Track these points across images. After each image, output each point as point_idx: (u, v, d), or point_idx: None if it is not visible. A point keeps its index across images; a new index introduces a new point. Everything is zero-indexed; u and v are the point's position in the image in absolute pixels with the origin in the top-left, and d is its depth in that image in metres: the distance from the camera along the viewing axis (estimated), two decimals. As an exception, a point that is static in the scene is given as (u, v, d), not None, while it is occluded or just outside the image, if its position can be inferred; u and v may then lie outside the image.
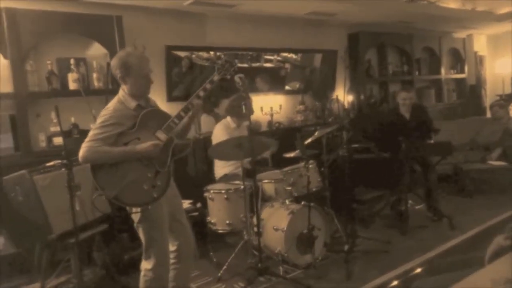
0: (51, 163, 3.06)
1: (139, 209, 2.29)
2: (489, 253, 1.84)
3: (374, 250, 3.50)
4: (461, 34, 7.73)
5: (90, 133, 2.22)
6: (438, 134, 4.17)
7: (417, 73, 6.82)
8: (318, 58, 5.67)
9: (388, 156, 4.08)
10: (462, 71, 7.75)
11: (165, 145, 2.32)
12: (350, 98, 5.86)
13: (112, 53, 3.78)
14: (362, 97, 5.88)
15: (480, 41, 8.05)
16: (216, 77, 2.49)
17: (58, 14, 3.55)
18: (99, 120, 2.25)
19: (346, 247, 3.33)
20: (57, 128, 3.32)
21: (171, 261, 2.47)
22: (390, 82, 6.44)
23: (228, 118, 3.85)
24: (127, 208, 2.34)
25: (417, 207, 4.60)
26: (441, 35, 7.17)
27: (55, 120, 3.43)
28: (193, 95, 2.43)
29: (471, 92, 7.76)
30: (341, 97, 5.65)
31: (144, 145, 2.24)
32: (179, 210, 2.55)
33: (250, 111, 3.66)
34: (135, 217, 2.33)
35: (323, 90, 5.47)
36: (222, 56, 4.75)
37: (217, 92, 4.51)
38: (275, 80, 5.32)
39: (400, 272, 3.05)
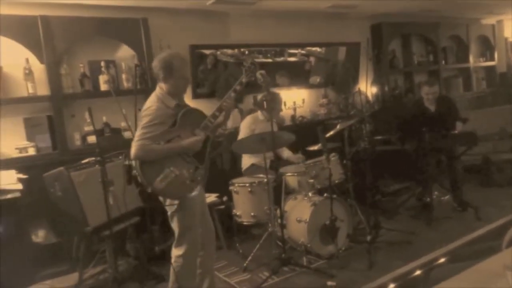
0: (86, 160, 3.26)
1: (175, 201, 2.46)
2: (506, 240, 1.88)
3: (397, 241, 3.54)
4: (490, 20, 7.50)
5: (138, 132, 2.38)
6: (466, 124, 4.13)
7: (443, 62, 6.68)
8: (342, 51, 5.66)
9: (410, 147, 4.07)
10: (492, 59, 7.52)
11: (203, 142, 2.48)
12: (374, 90, 5.83)
13: (140, 54, 3.97)
14: (386, 88, 5.84)
15: (511, 27, 7.78)
16: (244, 79, 2.67)
17: (88, 19, 3.74)
18: (144, 119, 2.41)
19: (368, 238, 3.39)
20: (91, 128, 3.51)
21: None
22: (415, 72, 6.35)
23: (259, 112, 3.99)
24: (161, 200, 2.51)
25: (443, 198, 4.57)
26: (469, 22, 6.99)
27: (88, 120, 3.62)
28: (225, 96, 2.60)
29: (501, 80, 7.53)
30: (364, 90, 5.63)
31: (190, 140, 2.42)
32: (204, 203, 2.72)
33: (275, 105, 3.80)
34: (170, 208, 2.50)
35: (346, 83, 5.48)
36: (246, 54, 4.86)
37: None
38: (299, 74, 5.35)
39: (422, 262, 3.09)
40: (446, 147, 4.11)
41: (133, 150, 2.34)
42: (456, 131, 4.10)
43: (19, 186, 2.43)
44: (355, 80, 5.64)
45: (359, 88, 5.27)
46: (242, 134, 3.86)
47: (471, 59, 7.11)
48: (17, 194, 2.29)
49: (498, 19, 7.55)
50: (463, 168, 4.98)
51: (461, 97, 6.80)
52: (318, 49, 5.49)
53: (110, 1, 3.79)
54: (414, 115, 4.18)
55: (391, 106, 5.67)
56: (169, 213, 2.53)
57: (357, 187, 4.14)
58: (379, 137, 4.23)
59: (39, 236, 3.13)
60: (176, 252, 2.54)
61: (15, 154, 3.49)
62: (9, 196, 2.25)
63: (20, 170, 3.10)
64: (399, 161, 4.56)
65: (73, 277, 3.32)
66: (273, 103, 3.62)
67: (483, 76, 7.53)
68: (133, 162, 2.38)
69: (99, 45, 3.91)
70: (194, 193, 2.46)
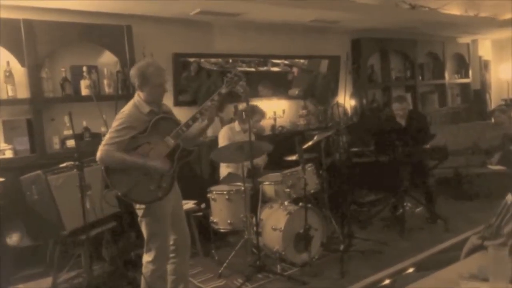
0: (64, 164, 3.28)
1: (143, 206, 2.49)
2: (464, 250, 1.99)
3: (369, 250, 3.64)
4: (465, 39, 7.80)
5: (107, 136, 2.42)
6: (433, 140, 4.30)
7: (420, 78, 6.92)
8: (324, 64, 5.82)
9: (384, 160, 4.21)
10: (467, 76, 7.82)
11: (172, 150, 2.52)
12: (352, 103, 5.99)
13: (122, 60, 4.01)
14: (364, 101, 6.01)
15: (485, 46, 8.13)
16: (224, 90, 2.68)
17: (72, 24, 3.77)
18: (114, 123, 2.45)
19: (342, 247, 3.49)
20: (70, 132, 3.52)
21: (170, 255, 2.65)
22: (393, 87, 6.56)
23: (236, 123, 4.07)
24: (133, 204, 2.54)
25: (417, 209, 4.72)
26: (445, 40, 7.27)
27: (68, 124, 3.64)
28: (202, 106, 2.63)
29: (475, 97, 7.83)
30: (343, 102, 5.79)
31: (154, 164, 2.45)
32: (179, 208, 2.74)
33: (255, 117, 3.88)
34: (139, 212, 2.53)
35: (325, 95, 5.62)
36: (230, 62, 4.94)
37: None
38: (282, 85, 5.45)
39: (392, 271, 3.20)
40: (418, 160, 4.25)
41: (98, 154, 2.38)
42: (428, 145, 4.26)
43: (-5, 189, 2.44)
44: (334, 92, 5.79)
45: (337, 101, 5.42)
46: (220, 144, 3.93)
47: (446, 75, 7.38)
48: (-8, 197, 2.30)
49: (473, 38, 7.86)
50: (435, 181, 5.17)
51: (436, 112, 7.05)
52: (301, 60, 5.63)
53: (95, 8, 3.82)
54: (387, 128, 4.32)
55: (368, 119, 5.83)
56: (138, 218, 2.56)
57: (333, 197, 4.26)
58: (354, 149, 4.36)
59: (14, 238, 3.12)
60: (145, 258, 2.57)
61: (-8, 156, 3.47)
62: (-16, 198, 2.26)
63: (-4, 172, 3.10)
64: (374, 173, 4.69)
65: (47, 281, 3.31)
66: (253, 115, 3.69)
67: (458, 93, 7.81)
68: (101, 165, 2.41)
69: (82, 50, 3.95)
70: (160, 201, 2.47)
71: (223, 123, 4.60)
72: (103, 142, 2.40)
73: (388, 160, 4.22)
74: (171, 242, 2.67)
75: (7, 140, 3.59)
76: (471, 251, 1.95)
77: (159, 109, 2.58)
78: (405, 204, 4.61)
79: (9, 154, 3.53)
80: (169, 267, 2.68)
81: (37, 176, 3.08)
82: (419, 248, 3.65)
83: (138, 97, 2.53)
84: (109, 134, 2.41)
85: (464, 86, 7.88)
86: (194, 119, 2.57)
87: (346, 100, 5.87)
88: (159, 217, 2.51)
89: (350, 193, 4.56)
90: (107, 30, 3.93)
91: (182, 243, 2.72)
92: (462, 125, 6.75)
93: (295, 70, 5.64)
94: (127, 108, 2.49)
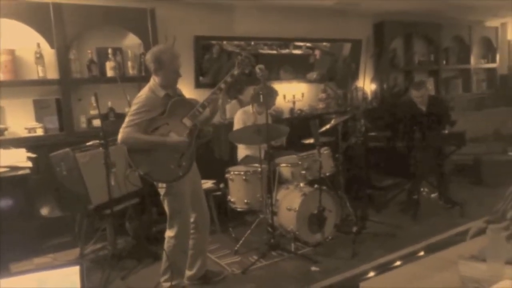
0: (91, 143, 3.45)
1: (165, 185, 2.63)
2: (470, 233, 2.06)
3: (382, 233, 3.72)
4: (494, 23, 7.56)
5: (127, 119, 2.56)
6: (454, 126, 4.27)
7: (444, 62, 6.79)
8: (347, 47, 5.78)
9: (401, 145, 4.22)
10: (494, 61, 7.61)
11: (190, 130, 2.64)
12: (373, 87, 5.97)
13: (146, 43, 4.12)
14: (385, 86, 5.97)
15: (515, 30, 7.84)
16: (236, 72, 2.78)
17: (98, 7, 3.90)
18: (133, 107, 2.58)
19: (354, 229, 3.57)
20: (96, 112, 3.69)
21: (190, 231, 2.81)
22: (415, 72, 6.47)
23: (250, 105, 4.14)
24: (155, 183, 2.68)
25: (433, 195, 4.73)
26: (472, 24, 7.06)
27: (94, 105, 3.78)
28: (215, 87, 2.72)
29: (502, 82, 7.63)
30: (364, 86, 5.78)
31: (174, 139, 2.58)
32: (198, 187, 2.89)
33: (270, 99, 3.94)
34: (161, 191, 2.68)
35: (345, 78, 5.62)
36: (252, 45, 4.99)
37: (242, 79, 4.76)
38: (303, 67, 5.45)
39: (403, 253, 3.27)
40: (435, 146, 4.25)
41: (119, 136, 2.51)
42: (446, 131, 4.24)
43: (29, 164, 2.62)
44: (355, 76, 5.77)
45: (356, 85, 5.41)
46: (235, 127, 4.02)
47: (472, 60, 7.20)
48: (27, 171, 2.47)
49: (503, 21, 7.61)
50: (455, 167, 5.15)
51: (460, 97, 6.92)
52: (323, 43, 5.61)
53: (120, -9, 3.94)
54: (406, 113, 4.32)
55: (388, 104, 5.81)
56: (161, 196, 2.71)
57: (349, 180, 4.32)
58: (372, 134, 4.39)
59: (44, 210, 3.34)
60: (168, 233, 2.73)
61: (24, 133, 3.68)
62: (20, 172, 2.44)
63: (28, 149, 3.29)
64: (391, 158, 4.73)
65: (75, 252, 3.54)
66: (269, 97, 3.77)
67: (483, 78, 7.62)
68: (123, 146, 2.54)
69: (107, 32, 4.07)
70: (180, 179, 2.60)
71: (242, 105, 4.68)
72: (123, 125, 2.54)
73: (406, 145, 4.24)
74: (192, 219, 2.82)
75: (38, 119, 3.79)
76: (476, 234, 2.01)
77: (174, 92, 2.70)
78: (422, 189, 4.65)
79: (39, 132, 3.73)
80: (189, 243, 2.83)
81: (65, 153, 3.27)
82: (433, 232, 3.70)
83: (154, 81, 2.64)
84: (128, 117, 2.54)
85: (491, 71, 7.68)
86: (209, 100, 2.69)
87: (366, 84, 5.86)
88: (180, 195, 2.66)
89: (366, 177, 4.61)
90: (132, 13, 4.04)
91: (202, 221, 2.87)
92: (485, 111, 6.64)
93: (317, 52, 5.62)
94: (143, 92, 2.61)
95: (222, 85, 2.72)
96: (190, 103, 2.73)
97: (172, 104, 2.62)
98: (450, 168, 4.78)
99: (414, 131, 4.05)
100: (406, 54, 6.41)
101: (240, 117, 4.05)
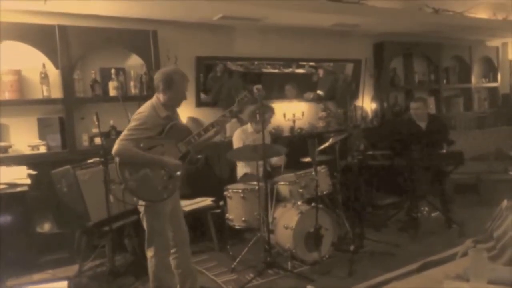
0: (91, 160, 3.53)
1: (144, 203, 2.66)
2: (459, 252, 2.07)
3: (380, 252, 3.71)
4: (495, 42, 7.63)
5: (125, 132, 2.58)
6: (451, 145, 4.30)
7: (445, 81, 6.84)
8: (349, 66, 5.88)
9: (400, 163, 4.25)
10: (495, 80, 7.64)
11: (182, 155, 2.71)
12: (373, 106, 6.02)
13: (148, 63, 4.23)
14: (385, 105, 6.03)
15: (515, 49, 7.90)
16: (235, 108, 2.92)
17: (102, 29, 4.04)
18: (133, 122, 2.62)
19: (352, 247, 3.57)
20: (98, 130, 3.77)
21: (171, 250, 2.82)
22: (416, 91, 6.52)
23: (248, 124, 4.22)
24: (135, 201, 2.70)
25: (433, 214, 4.72)
26: (472, 44, 7.13)
27: (96, 123, 3.89)
28: (214, 120, 2.84)
29: (503, 101, 7.65)
30: (364, 105, 5.85)
31: (171, 161, 2.64)
32: (178, 207, 2.91)
33: (266, 119, 4.02)
34: (141, 209, 2.70)
35: (346, 97, 5.68)
36: (255, 64, 5.09)
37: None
38: (306, 86, 5.53)
39: (400, 272, 3.26)
40: (434, 165, 4.27)
41: (115, 147, 2.53)
42: (444, 151, 4.26)
43: (28, 181, 2.68)
44: (355, 95, 5.84)
45: (355, 104, 5.47)
46: (234, 146, 4.09)
47: (473, 79, 7.24)
48: (25, 188, 2.54)
49: (503, 41, 7.68)
50: (455, 186, 5.15)
51: (461, 116, 6.95)
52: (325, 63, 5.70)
53: (123, 13, 4.06)
54: (405, 131, 4.36)
55: (388, 122, 5.85)
56: (140, 213, 2.73)
57: (348, 199, 4.33)
58: (370, 152, 4.42)
59: (43, 226, 3.39)
60: (148, 253, 2.73)
61: (27, 151, 3.77)
62: (18, 189, 2.50)
63: (31, 166, 3.37)
64: (391, 176, 4.74)
65: (73, 268, 3.57)
66: (265, 115, 3.83)
67: (485, 97, 7.64)
68: (116, 158, 2.57)
69: (110, 53, 4.20)
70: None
71: (242, 124, 4.75)
72: (120, 137, 2.57)
73: (405, 164, 4.26)
74: (170, 238, 2.83)
75: (41, 137, 3.89)
76: (465, 254, 2.02)
77: (173, 114, 2.77)
78: (422, 208, 4.65)
79: (42, 149, 3.81)
80: (173, 262, 2.85)
81: (66, 170, 3.34)
82: (431, 252, 3.67)
83: (157, 99, 2.70)
84: (127, 131, 2.57)
85: (492, 90, 7.71)
86: (206, 130, 2.78)
87: (366, 103, 5.92)
88: (159, 214, 2.67)
89: (365, 196, 4.62)
90: (134, 34, 4.17)
91: (181, 239, 2.88)
92: (487, 130, 6.65)
93: (320, 71, 5.71)
94: (145, 109, 2.66)
95: (221, 118, 2.84)
96: (187, 129, 2.83)
97: (170, 127, 2.68)
98: (451, 187, 4.77)
99: (413, 149, 4.09)
100: (406, 74, 6.48)
101: (239, 135, 4.12)
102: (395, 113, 6.15)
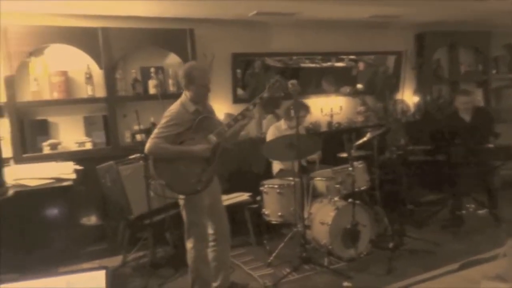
0: (133, 156, 3.67)
1: (183, 196, 2.75)
2: (502, 252, 1.97)
3: (421, 250, 3.60)
4: (551, 29, 7.10)
5: (156, 130, 2.69)
6: (498, 139, 4.07)
7: (494, 71, 6.47)
8: (391, 59, 5.71)
9: (443, 158, 4.08)
10: (552, 69, 7.12)
11: (213, 147, 2.75)
12: (415, 99, 5.82)
13: (185, 61, 4.30)
14: (428, 98, 5.80)
15: None
16: (265, 95, 2.89)
17: (141, 30, 4.18)
18: (163, 120, 2.72)
19: (391, 245, 3.49)
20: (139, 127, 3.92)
21: (211, 243, 2.89)
22: (462, 82, 6.21)
23: (282, 121, 4.20)
24: (176, 195, 2.80)
25: (480, 211, 4.51)
26: (525, 31, 6.69)
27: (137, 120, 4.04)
28: (244, 108, 2.84)
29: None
30: (405, 98, 5.67)
31: (199, 147, 2.69)
32: (218, 200, 2.97)
33: (300, 116, 3.99)
34: (181, 202, 2.80)
35: (386, 91, 5.53)
36: (294, 59, 5.07)
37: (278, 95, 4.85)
38: (346, 80, 5.43)
39: (440, 272, 3.14)
40: (481, 160, 4.07)
41: (147, 145, 2.64)
42: (491, 145, 4.05)
43: (73, 176, 2.84)
44: (396, 88, 5.67)
45: (395, 98, 5.30)
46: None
47: (526, 68, 6.79)
48: (70, 183, 2.70)
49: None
50: (503, 182, 4.87)
51: (512, 108, 6.55)
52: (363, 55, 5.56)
53: (161, 13, 4.18)
54: (449, 125, 4.18)
55: (430, 116, 5.63)
56: (180, 207, 2.82)
57: (387, 195, 4.22)
58: (410, 147, 4.28)
59: (88, 219, 3.58)
60: (188, 244, 2.82)
61: (74, 147, 3.99)
62: (64, 184, 2.67)
63: (77, 162, 3.56)
64: (434, 172, 4.56)
65: (118, 259, 3.74)
66: (300, 112, 3.80)
67: (541, 87, 7.15)
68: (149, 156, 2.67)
69: (150, 53, 4.33)
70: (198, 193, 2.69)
71: (278, 119, 4.75)
72: (151, 136, 2.67)
73: (448, 159, 4.09)
74: (212, 231, 2.90)
75: (87, 134, 4.10)
76: (505, 254, 1.92)
77: (204, 108, 2.82)
78: (467, 205, 4.45)
79: (88, 146, 4.02)
80: (211, 255, 2.91)
81: (110, 166, 3.50)
82: (476, 252, 3.51)
83: (185, 96, 2.78)
84: (158, 129, 2.67)
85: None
86: (236, 120, 2.79)
87: (408, 97, 5.74)
88: (197, 207, 2.75)
89: (405, 192, 4.49)
90: (172, 33, 4.28)
91: (221, 233, 2.94)
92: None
93: (360, 65, 5.59)
94: (174, 107, 2.75)
95: (251, 107, 2.82)
96: (217, 121, 2.88)
97: (199, 120, 2.74)
98: (499, 183, 4.52)
99: (457, 143, 3.92)
100: (451, 65, 6.18)
101: (272, 132, 4.13)
102: (439, 106, 5.90)
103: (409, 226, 4.10)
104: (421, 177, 4.85)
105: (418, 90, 5.87)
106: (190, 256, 2.81)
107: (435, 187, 4.85)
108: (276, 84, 2.87)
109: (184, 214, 2.81)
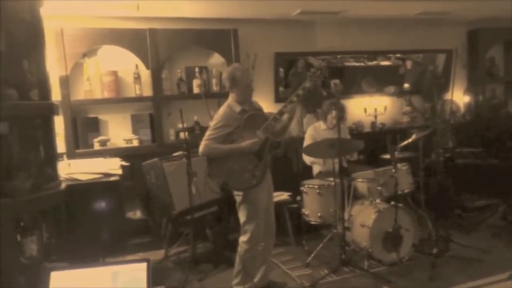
0: (176, 154, 3.79)
1: (241, 193, 2.82)
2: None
3: (468, 257, 3.44)
4: None
5: (207, 133, 2.83)
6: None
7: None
8: (441, 57, 5.49)
9: (495, 162, 3.88)
10: None
11: (263, 142, 2.80)
12: (466, 99, 5.56)
13: (229, 61, 4.40)
14: (480, 98, 5.52)
15: None
16: (308, 84, 2.88)
17: (187, 31, 4.30)
18: (213, 122, 2.86)
19: (435, 250, 3.37)
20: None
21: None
22: (519, 82, 5.86)
23: (321, 121, 4.17)
24: (232, 191, 2.89)
25: (536, 219, 4.23)
26: None
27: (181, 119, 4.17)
28: (287, 100, 2.84)
29: None
30: (455, 99, 5.42)
31: (246, 143, 2.77)
32: (270, 198, 3.02)
33: (342, 114, 3.94)
34: (238, 198, 2.88)
35: (434, 90, 5.32)
36: (338, 58, 5.01)
37: (320, 94, 4.81)
38: (391, 79, 5.31)
39: (488, 281, 2.99)
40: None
41: (200, 148, 2.78)
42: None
43: (119, 172, 2.99)
44: (445, 88, 5.43)
45: (443, 98, 5.09)
46: (305, 143, 4.03)
47: None
48: (117, 178, 2.84)
49: None
50: None
51: None
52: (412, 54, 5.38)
53: (206, 14, 4.28)
54: (501, 127, 3.96)
55: (482, 117, 5.35)
56: (237, 203, 2.89)
57: (434, 199, 4.07)
58: (458, 150, 4.10)
59: (134, 213, 3.74)
60: (242, 238, 2.90)
61: (122, 144, 4.18)
62: (111, 179, 2.81)
63: (125, 158, 3.72)
64: (484, 176, 4.34)
65: (161, 253, 3.88)
66: (341, 112, 3.74)
67: None
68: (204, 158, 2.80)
69: (194, 53, 4.45)
70: (255, 188, 2.77)
71: (319, 119, 4.70)
72: (203, 138, 2.81)
73: (500, 163, 3.88)
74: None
75: (134, 131, 4.28)
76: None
77: (250, 106, 2.89)
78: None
79: (135, 143, 4.20)
80: None
81: (154, 162, 3.64)
82: (529, 261, 3.32)
83: (231, 98, 2.89)
84: (208, 132, 2.81)
85: None
86: (281, 113, 2.83)
87: (457, 97, 5.48)
88: (256, 203, 2.83)
89: (454, 196, 4.30)
90: (216, 34, 4.36)
91: (268, 230, 2.99)
92: None
93: (408, 63, 5.42)
94: (222, 109, 2.87)
95: (294, 98, 2.84)
96: (264, 117, 2.90)
97: (246, 118, 2.81)
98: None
99: (510, 146, 3.71)
100: (506, 63, 5.84)
101: (310, 134, 4.09)
102: (493, 107, 5.59)
103: (456, 232, 3.94)
104: (470, 181, 4.62)
105: (469, 89, 5.59)
106: (241, 249, 2.88)
107: (485, 192, 4.61)
108: (317, 73, 2.87)
109: (241, 209, 2.88)
